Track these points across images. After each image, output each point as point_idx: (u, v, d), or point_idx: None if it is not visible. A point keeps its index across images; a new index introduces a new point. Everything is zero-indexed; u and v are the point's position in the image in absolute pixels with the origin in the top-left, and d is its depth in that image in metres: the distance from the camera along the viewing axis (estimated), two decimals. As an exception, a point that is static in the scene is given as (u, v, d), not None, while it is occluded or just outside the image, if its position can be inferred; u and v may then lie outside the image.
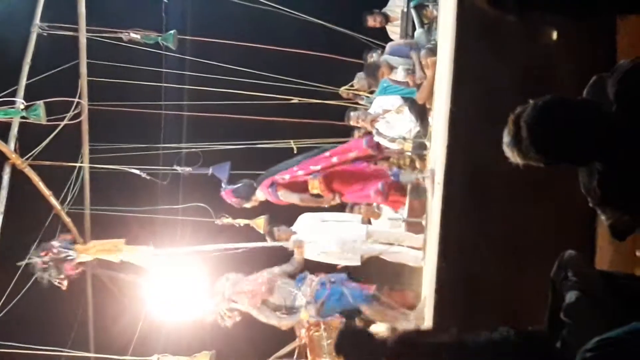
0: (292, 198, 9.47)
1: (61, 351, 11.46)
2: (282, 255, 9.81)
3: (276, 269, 9.22)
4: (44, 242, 10.19)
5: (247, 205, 9.72)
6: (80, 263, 10.41)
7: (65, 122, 10.76)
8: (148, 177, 11.98)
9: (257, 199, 9.58)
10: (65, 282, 10.12)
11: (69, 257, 9.98)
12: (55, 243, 10.00)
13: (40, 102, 10.50)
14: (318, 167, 9.36)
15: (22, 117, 10.65)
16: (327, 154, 9.47)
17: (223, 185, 9.90)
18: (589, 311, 3.65)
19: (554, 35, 5.55)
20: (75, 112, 10.98)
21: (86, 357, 12.10)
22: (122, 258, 10.37)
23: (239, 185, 9.59)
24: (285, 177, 9.43)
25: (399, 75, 10.35)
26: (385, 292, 10.13)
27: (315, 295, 8.82)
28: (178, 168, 11.77)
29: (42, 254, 9.91)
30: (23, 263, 10.24)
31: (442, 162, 6.18)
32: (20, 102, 10.83)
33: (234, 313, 9.23)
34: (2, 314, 10.76)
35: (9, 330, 10.85)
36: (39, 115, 10.40)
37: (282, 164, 9.66)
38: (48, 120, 10.65)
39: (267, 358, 10.34)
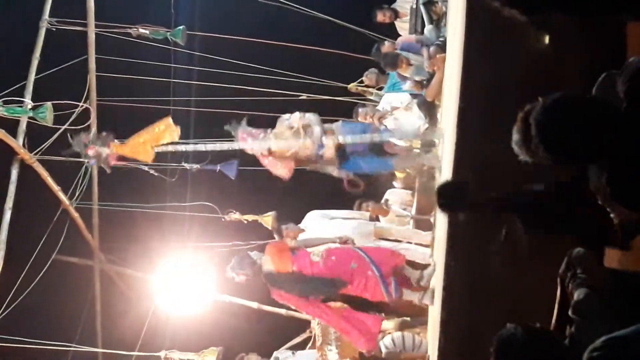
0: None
1: (69, 346, 11.48)
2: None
3: None
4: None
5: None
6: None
7: (69, 122, 10.78)
8: (156, 174, 11.98)
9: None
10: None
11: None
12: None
13: (48, 104, 10.50)
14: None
15: (30, 118, 10.66)
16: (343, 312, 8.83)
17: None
18: (597, 308, 3.64)
19: (561, 33, 5.54)
20: (82, 108, 11.01)
21: (94, 352, 12.12)
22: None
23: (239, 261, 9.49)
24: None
25: (406, 85, 10.33)
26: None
27: None
28: (186, 165, 11.76)
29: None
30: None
31: (451, 160, 6.18)
32: (28, 102, 10.86)
33: None
34: (10, 308, 10.79)
35: (17, 325, 10.88)
36: (45, 116, 10.40)
37: (292, 282, 8.90)
38: (56, 118, 10.67)
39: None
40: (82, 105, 11.05)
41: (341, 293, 8.42)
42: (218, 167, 10.60)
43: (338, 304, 8.54)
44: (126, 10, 13.35)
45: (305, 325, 10.49)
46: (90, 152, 9.54)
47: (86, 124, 11.29)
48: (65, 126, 10.84)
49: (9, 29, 12.71)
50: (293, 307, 8.93)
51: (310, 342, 10.22)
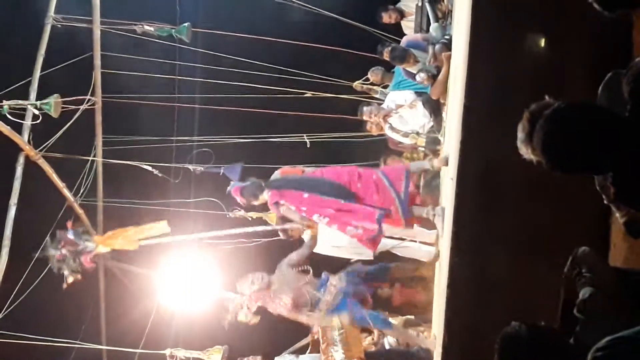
0: (293, 217, 9.28)
1: (73, 343, 11.48)
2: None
3: (294, 257, 9.02)
4: (58, 231, 10.04)
5: (255, 203, 9.51)
6: (97, 255, 10.32)
7: (75, 117, 10.80)
8: (160, 175, 12.00)
9: (264, 198, 9.34)
10: (79, 276, 9.99)
11: (86, 249, 9.88)
12: (69, 235, 9.88)
13: (54, 96, 10.51)
14: (324, 215, 9.04)
15: (34, 116, 10.68)
16: (341, 202, 9.05)
17: (232, 182, 9.70)
18: (602, 307, 3.63)
19: (568, 31, 5.53)
20: (89, 104, 11.03)
21: (98, 350, 12.12)
22: (140, 242, 10.27)
23: (248, 184, 9.39)
24: (290, 206, 9.16)
25: (418, 77, 10.26)
26: (397, 289, 10.13)
27: (337, 306, 8.64)
28: (190, 167, 11.79)
29: (60, 245, 9.79)
30: (37, 254, 10.14)
31: (456, 158, 6.17)
32: (32, 98, 10.88)
33: (252, 315, 9.01)
34: (14, 305, 10.79)
35: (21, 322, 10.89)
36: (50, 107, 10.41)
37: (294, 180, 9.31)
38: (61, 114, 10.69)
39: (279, 352, 10.34)
40: (88, 99, 11.07)
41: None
42: (222, 170, 10.63)
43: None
44: (131, 7, 13.35)
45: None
46: (63, 252, 9.65)
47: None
48: (70, 122, 10.87)
49: (15, 26, 12.72)
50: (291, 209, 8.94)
51: (310, 347, 10.21)
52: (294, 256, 8.95)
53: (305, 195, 8.76)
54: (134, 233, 10.10)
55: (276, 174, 9.37)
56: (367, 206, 8.67)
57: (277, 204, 8.94)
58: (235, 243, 11.04)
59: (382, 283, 9.01)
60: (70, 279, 9.81)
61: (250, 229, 10.39)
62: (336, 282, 8.62)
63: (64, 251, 9.67)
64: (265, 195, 9.02)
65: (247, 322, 8.89)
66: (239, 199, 9.35)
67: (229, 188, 9.52)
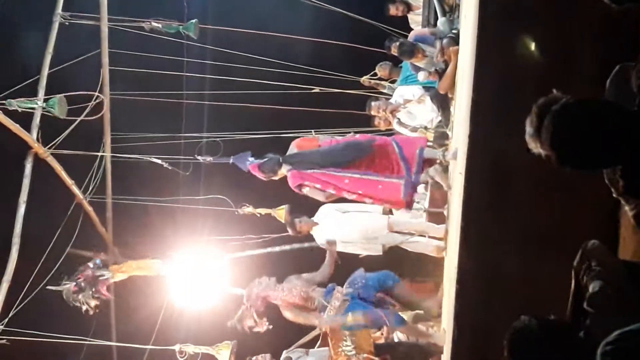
0: (318, 196, 9.23)
1: (84, 340, 11.49)
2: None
3: (305, 275, 8.96)
4: (80, 267, 10.01)
5: (275, 177, 9.45)
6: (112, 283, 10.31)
7: (84, 115, 10.81)
8: (170, 167, 12.00)
9: (282, 173, 9.28)
10: (96, 304, 9.96)
11: (102, 277, 9.86)
12: (90, 264, 9.85)
13: (58, 96, 10.52)
14: (352, 192, 8.98)
15: (44, 110, 10.69)
16: (357, 175, 8.96)
17: (249, 158, 9.62)
18: (612, 301, 3.62)
19: (576, 24, 5.52)
20: (97, 101, 11.04)
21: (108, 346, 12.14)
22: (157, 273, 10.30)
23: (266, 160, 9.35)
24: (316, 185, 9.09)
25: (420, 76, 10.23)
26: (406, 284, 10.13)
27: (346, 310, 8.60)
28: (199, 157, 11.78)
29: (78, 276, 9.76)
30: (55, 288, 10.11)
31: (464, 152, 6.16)
32: (40, 96, 10.90)
33: (263, 320, 8.99)
34: (25, 302, 10.81)
35: (31, 319, 10.90)
36: (55, 108, 10.43)
37: (310, 155, 9.24)
38: (70, 112, 10.71)
39: (288, 346, 10.33)
40: (96, 96, 11.08)
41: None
42: (231, 160, 10.61)
43: None
44: (139, 4, 13.36)
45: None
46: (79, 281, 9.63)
47: (99, 114, 11.32)
48: (79, 119, 10.88)
49: (23, 24, 12.74)
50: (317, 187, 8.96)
51: (320, 340, 10.21)
52: (304, 275, 8.91)
53: (325, 173, 8.78)
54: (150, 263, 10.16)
55: (292, 148, 9.35)
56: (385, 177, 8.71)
57: (300, 186, 8.95)
58: (244, 239, 11.05)
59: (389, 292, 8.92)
60: (92, 304, 9.79)
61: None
62: (342, 289, 8.60)
63: (79, 281, 9.66)
64: (284, 170, 9.01)
65: (258, 327, 8.91)
66: (258, 175, 9.33)
67: (247, 163, 9.49)
